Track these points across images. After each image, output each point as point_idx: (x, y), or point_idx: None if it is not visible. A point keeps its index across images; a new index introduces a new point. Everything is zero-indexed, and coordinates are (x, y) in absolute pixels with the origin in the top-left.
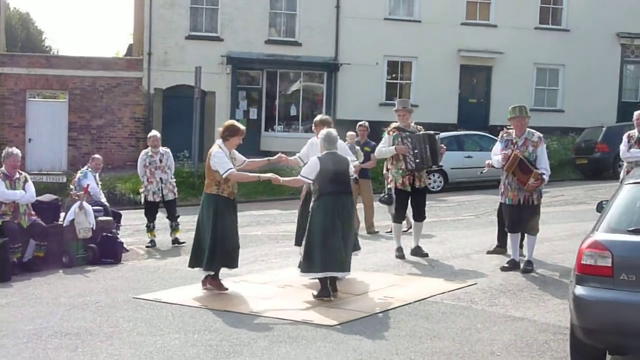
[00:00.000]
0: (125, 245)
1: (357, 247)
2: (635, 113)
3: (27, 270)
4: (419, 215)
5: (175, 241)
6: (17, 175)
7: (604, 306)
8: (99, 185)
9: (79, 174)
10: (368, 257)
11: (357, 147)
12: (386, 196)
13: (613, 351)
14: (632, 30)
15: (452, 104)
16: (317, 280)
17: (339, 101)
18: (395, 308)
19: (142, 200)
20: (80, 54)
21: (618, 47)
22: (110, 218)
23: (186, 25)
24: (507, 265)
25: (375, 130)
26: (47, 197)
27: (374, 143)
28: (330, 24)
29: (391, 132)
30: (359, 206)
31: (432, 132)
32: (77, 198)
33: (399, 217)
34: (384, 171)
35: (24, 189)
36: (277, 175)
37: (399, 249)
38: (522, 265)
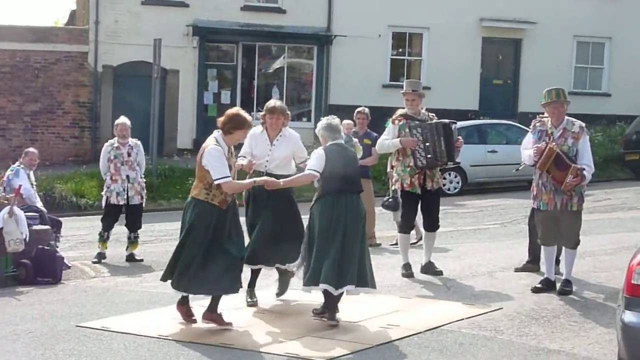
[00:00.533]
0: (66, 261)
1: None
2: None
3: None
4: (432, 224)
5: (131, 257)
6: None
7: None
8: (34, 187)
9: (8, 172)
10: None
11: (355, 140)
12: (391, 200)
13: None
14: None
15: (473, 86)
16: (299, 302)
17: (333, 82)
18: (401, 339)
19: (104, 203)
20: (9, 22)
21: None
22: (47, 227)
23: None
24: (540, 285)
25: (378, 118)
26: None
27: (375, 134)
28: None
29: (397, 121)
30: None
31: (447, 120)
32: (6, 202)
33: (406, 226)
34: (388, 169)
35: None
36: (273, 178)
37: (407, 266)
38: (558, 285)
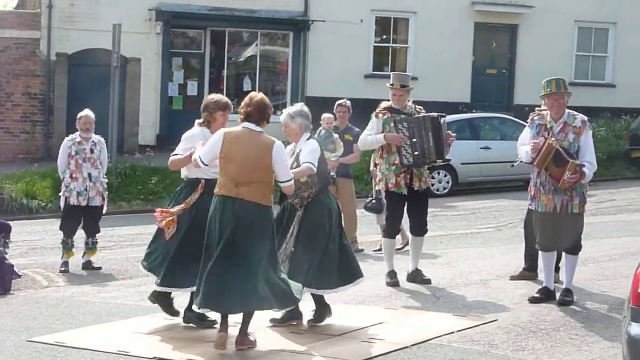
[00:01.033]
0: (16, 269)
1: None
2: None
3: None
4: (419, 228)
5: (88, 265)
6: None
7: None
8: None
9: None
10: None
11: (336, 135)
12: (374, 201)
13: None
14: None
15: (464, 76)
16: (277, 316)
17: (310, 71)
18: (386, 354)
19: (62, 204)
20: None
21: None
22: None
23: None
24: (538, 295)
25: (360, 111)
26: None
27: (357, 130)
28: None
29: (380, 115)
30: None
31: (435, 114)
32: None
33: (391, 230)
34: (371, 167)
35: None
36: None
37: (392, 274)
38: (558, 295)
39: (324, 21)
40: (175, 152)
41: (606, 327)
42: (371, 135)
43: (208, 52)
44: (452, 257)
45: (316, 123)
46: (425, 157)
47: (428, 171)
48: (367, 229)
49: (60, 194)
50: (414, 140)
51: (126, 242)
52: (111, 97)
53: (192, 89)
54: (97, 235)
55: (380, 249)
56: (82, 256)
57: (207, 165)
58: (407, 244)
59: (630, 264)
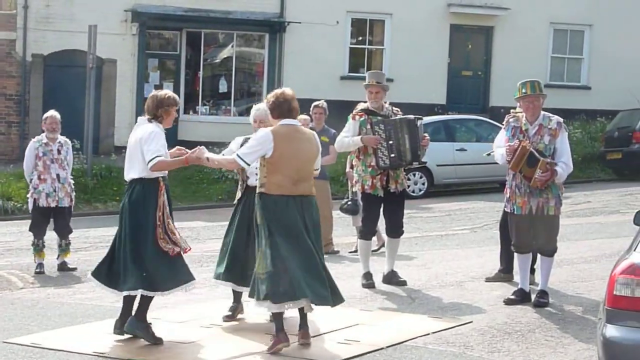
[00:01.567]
0: None
1: None
2: None
3: None
4: (395, 230)
5: (63, 266)
6: None
7: None
8: None
9: None
10: None
11: None
12: (350, 203)
13: None
14: None
15: (440, 77)
16: (254, 320)
17: (286, 73)
18: (361, 355)
19: (30, 206)
20: None
21: None
22: None
23: None
24: (513, 296)
25: (336, 112)
26: None
27: (333, 131)
28: None
29: (357, 117)
30: None
31: (412, 116)
32: None
33: (367, 231)
34: (347, 169)
35: None
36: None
37: (367, 275)
38: (533, 297)
39: (300, 23)
40: (156, 154)
41: (581, 329)
42: (348, 137)
43: (184, 53)
44: (427, 258)
45: None
46: (402, 160)
47: (404, 173)
48: (342, 231)
49: (28, 195)
50: (390, 142)
51: (102, 243)
52: (87, 98)
53: (167, 89)
54: (69, 236)
55: (355, 251)
56: (57, 258)
57: (249, 165)
58: (382, 245)
59: (606, 266)
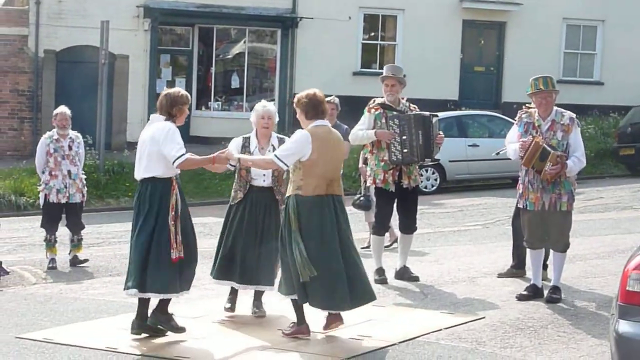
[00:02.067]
0: (4, 266)
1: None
2: None
3: None
4: (408, 226)
5: (75, 261)
6: None
7: None
8: None
9: None
10: None
11: None
12: (362, 199)
13: None
14: None
15: (452, 73)
16: (265, 316)
17: (298, 69)
18: (373, 351)
19: (42, 202)
20: None
21: None
22: None
23: None
24: (525, 292)
25: (348, 108)
26: None
27: (346, 127)
28: None
29: (373, 110)
30: None
31: (427, 113)
32: None
33: (380, 227)
34: (360, 164)
35: None
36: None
37: (380, 271)
38: (546, 292)
39: (312, 18)
40: (182, 151)
41: (594, 325)
42: (362, 130)
43: (196, 49)
44: (440, 254)
45: None
46: (414, 155)
47: (418, 169)
48: (355, 227)
49: (39, 190)
50: (404, 137)
51: (114, 238)
52: (99, 94)
53: (180, 86)
54: (82, 231)
55: (368, 246)
56: (69, 253)
57: (288, 167)
58: (395, 241)
59: (618, 262)
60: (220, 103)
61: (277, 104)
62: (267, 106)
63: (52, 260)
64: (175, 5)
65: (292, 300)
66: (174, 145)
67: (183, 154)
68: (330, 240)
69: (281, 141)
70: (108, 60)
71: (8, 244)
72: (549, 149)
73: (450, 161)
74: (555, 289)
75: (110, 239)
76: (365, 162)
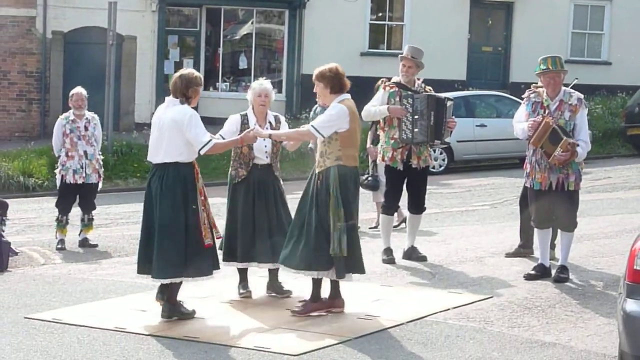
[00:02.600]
0: (13, 247)
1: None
2: None
3: None
4: (416, 206)
5: (85, 242)
6: None
7: None
8: None
9: None
10: None
11: None
12: (370, 179)
13: None
14: None
15: (460, 53)
16: (272, 293)
17: (306, 50)
18: (382, 331)
19: (58, 182)
20: None
21: None
22: None
23: None
24: (533, 272)
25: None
26: None
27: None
28: None
29: (388, 87)
30: None
31: (443, 95)
32: None
33: (389, 206)
34: (368, 145)
35: None
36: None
37: (388, 251)
38: (554, 272)
39: None
40: (209, 137)
41: (602, 304)
42: (376, 106)
43: (204, 30)
44: (447, 234)
45: (312, 100)
46: (424, 135)
47: (429, 150)
48: (362, 207)
49: (56, 172)
50: (416, 117)
51: (122, 219)
52: (107, 75)
53: (187, 66)
54: (93, 212)
55: (376, 227)
56: (79, 234)
57: (324, 137)
58: (403, 221)
59: (626, 241)
60: (228, 84)
61: (284, 85)
62: (263, 84)
63: (61, 241)
64: None
65: (313, 279)
66: (199, 131)
67: (210, 140)
68: (355, 211)
69: (276, 118)
70: (116, 41)
71: (17, 225)
72: (559, 130)
73: (458, 141)
74: (563, 269)
75: (119, 220)
76: (373, 142)
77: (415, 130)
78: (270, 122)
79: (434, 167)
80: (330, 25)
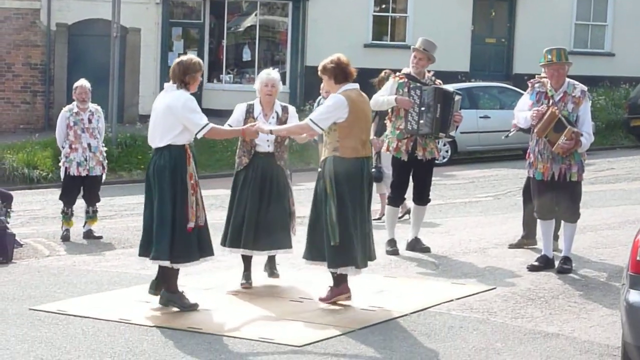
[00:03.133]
0: (18, 239)
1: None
2: None
3: None
4: (421, 197)
5: (89, 234)
6: None
7: None
8: None
9: None
10: None
11: None
12: (373, 170)
13: None
14: None
15: (463, 45)
16: (276, 284)
17: (309, 42)
18: (385, 322)
19: (62, 175)
20: None
21: None
22: None
23: None
24: (536, 263)
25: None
26: None
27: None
28: None
29: (397, 78)
30: None
31: (451, 89)
32: None
33: (394, 197)
34: (372, 136)
35: None
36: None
37: (392, 242)
38: (557, 263)
39: None
40: (205, 121)
41: (605, 295)
42: (384, 96)
43: (207, 22)
44: (451, 225)
45: (315, 92)
46: (429, 128)
47: (436, 142)
48: None
49: (60, 164)
50: (422, 109)
51: (126, 211)
52: (111, 67)
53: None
54: (97, 204)
55: (379, 218)
56: (83, 225)
57: (323, 130)
58: (407, 212)
59: (629, 232)
60: (231, 76)
61: (288, 77)
62: (270, 74)
63: (67, 230)
64: None
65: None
66: (196, 115)
67: (207, 123)
68: (362, 203)
69: (284, 109)
70: (120, 33)
71: (22, 216)
72: (564, 121)
73: (461, 133)
74: (566, 260)
75: (123, 212)
76: (376, 133)
77: (421, 122)
78: (277, 112)
79: (437, 159)
80: (333, 17)
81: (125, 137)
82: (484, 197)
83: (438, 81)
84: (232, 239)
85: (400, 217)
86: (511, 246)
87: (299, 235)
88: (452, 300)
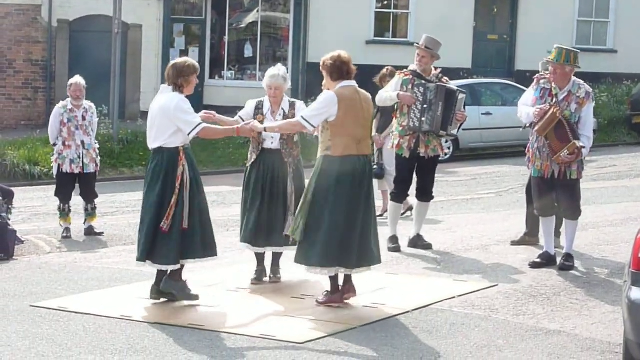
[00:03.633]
0: (19, 235)
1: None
2: None
3: None
4: (423, 194)
5: (90, 231)
6: None
7: None
8: None
9: None
10: None
11: None
12: (375, 167)
13: None
14: None
15: (465, 41)
16: (280, 282)
17: (311, 38)
18: (387, 319)
19: (55, 171)
20: None
21: None
22: None
23: None
24: (538, 260)
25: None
26: None
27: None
28: None
29: (402, 75)
30: None
31: (455, 87)
32: None
33: (397, 193)
34: (373, 133)
35: None
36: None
37: (393, 239)
38: (559, 260)
39: None
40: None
41: (607, 292)
42: (389, 92)
43: (209, 18)
44: (453, 222)
45: (318, 88)
46: (429, 125)
47: (440, 140)
48: None
49: (53, 160)
50: (425, 106)
51: (128, 208)
52: (113, 63)
53: (193, 55)
54: (95, 200)
55: (381, 215)
56: (84, 222)
57: (314, 127)
58: (409, 209)
59: (631, 229)
60: (233, 72)
61: (290, 73)
62: (274, 77)
63: (67, 229)
64: None
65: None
66: (187, 116)
67: (199, 123)
68: (355, 203)
69: (291, 105)
70: (121, 29)
71: (23, 213)
72: (565, 124)
73: (463, 129)
74: (568, 257)
75: (124, 208)
76: (378, 130)
77: (423, 119)
78: (283, 109)
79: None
80: (335, 14)
81: (126, 133)
82: (486, 194)
83: (445, 78)
84: (245, 237)
85: (402, 214)
86: (513, 243)
87: None
88: (454, 297)
